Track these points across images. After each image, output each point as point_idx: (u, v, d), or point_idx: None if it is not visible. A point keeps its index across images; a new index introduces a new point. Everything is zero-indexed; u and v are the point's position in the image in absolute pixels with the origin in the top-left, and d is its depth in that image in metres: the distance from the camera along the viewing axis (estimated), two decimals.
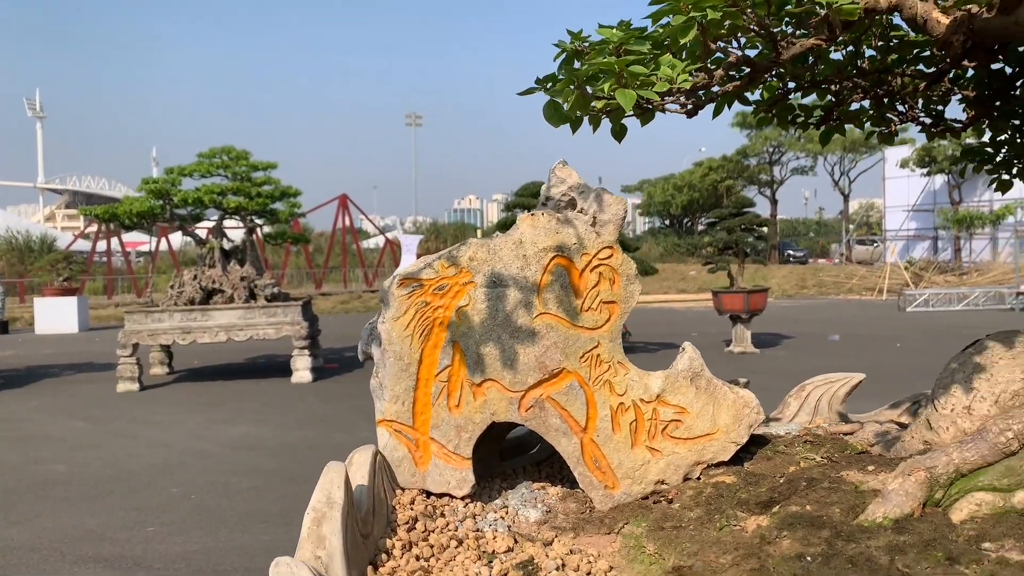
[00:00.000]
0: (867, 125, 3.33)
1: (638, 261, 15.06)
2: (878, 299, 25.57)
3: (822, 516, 1.77)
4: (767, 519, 1.83)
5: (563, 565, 1.92)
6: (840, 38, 2.53)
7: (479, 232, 15.44)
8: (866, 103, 3.17)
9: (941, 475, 1.71)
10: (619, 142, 2.39)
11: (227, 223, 12.41)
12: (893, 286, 26.10)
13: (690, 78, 2.15)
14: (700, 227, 48.53)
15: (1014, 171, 3.30)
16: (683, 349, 2.43)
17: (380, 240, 37.33)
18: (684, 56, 2.25)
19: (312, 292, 24.92)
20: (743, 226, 15.58)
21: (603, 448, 2.26)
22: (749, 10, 2.29)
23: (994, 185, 3.33)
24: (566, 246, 2.27)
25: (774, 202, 47.04)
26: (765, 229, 18.06)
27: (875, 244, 37.82)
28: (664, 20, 2.23)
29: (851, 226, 47.94)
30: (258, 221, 12.72)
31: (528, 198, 15.29)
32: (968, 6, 2.33)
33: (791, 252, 43.84)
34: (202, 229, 12.82)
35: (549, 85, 2.15)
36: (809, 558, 1.58)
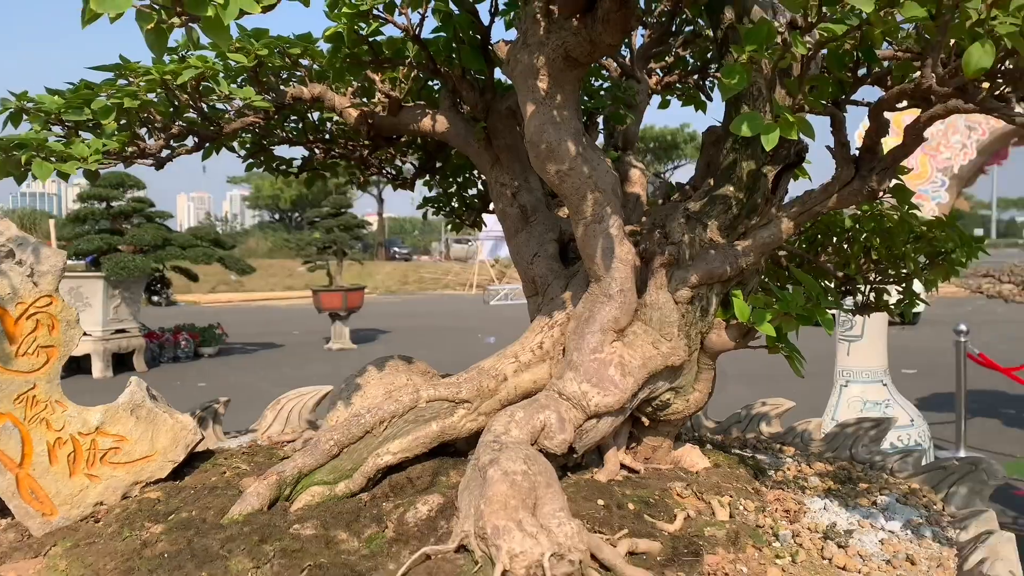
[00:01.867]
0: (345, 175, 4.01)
1: (234, 260, 14.89)
2: (468, 293, 28.50)
3: (202, 518, 2.25)
4: (162, 526, 2.26)
5: None
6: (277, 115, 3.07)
7: (52, 222, 13.77)
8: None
9: (289, 476, 2.30)
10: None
11: None
12: (482, 281, 29.32)
13: (117, 147, 2.49)
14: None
15: (463, 213, 4.19)
16: (130, 383, 2.76)
17: None
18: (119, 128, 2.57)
19: None
20: (341, 226, 16.28)
21: (40, 480, 2.50)
22: (185, 95, 2.70)
23: (450, 226, 4.23)
24: None
25: (380, 201, 49.41)
26: (364, 230, 19.09)
27: (470, 243, 42.17)
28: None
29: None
30: None
31: (108, 188, 14.14)
32: (368, 108, 3.03)
33: (396, 249, 46.65)
34: None
35: None
36: (167, 555, 2.03)
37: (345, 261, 16.01)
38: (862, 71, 2.01)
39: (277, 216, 55.61)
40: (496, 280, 28.97)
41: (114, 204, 13.70)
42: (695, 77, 3.55)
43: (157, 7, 1.23)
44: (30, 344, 2.53)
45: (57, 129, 2.58)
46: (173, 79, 2.51)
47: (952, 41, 1.64)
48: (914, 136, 1.93)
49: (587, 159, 2.20)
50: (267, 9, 1.50)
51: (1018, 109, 1.69)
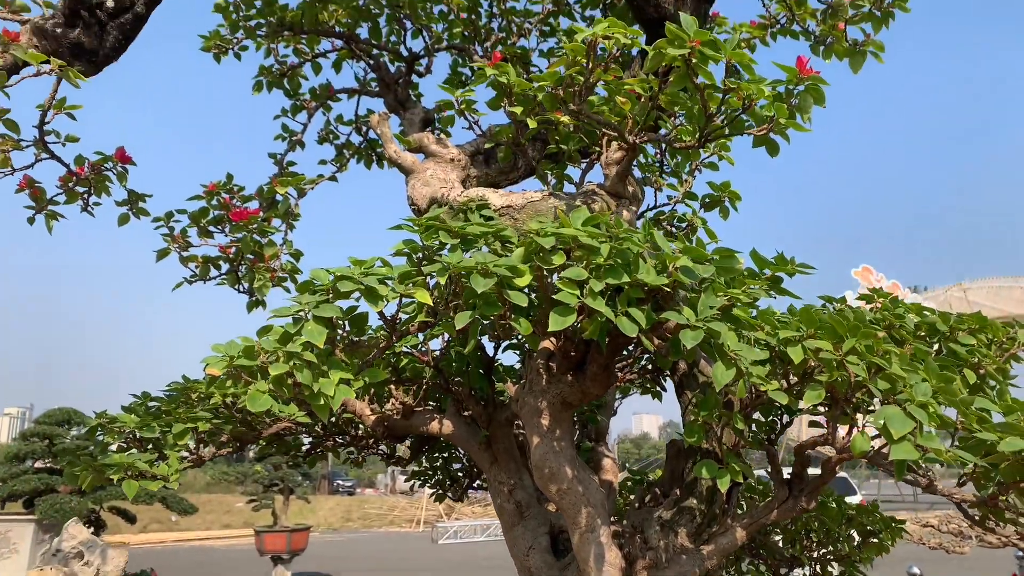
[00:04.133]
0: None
1: (176, 499, 14.55)
2: (416, 531, 27.65)
3: None
4: None
5: None
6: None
7: None
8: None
9: None
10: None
11: None
12: (429, 517, 28.58)
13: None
14: (250, 455, 47.40)
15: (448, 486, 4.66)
16: None
17: None
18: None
19: None
20: (289, 462, 16.19)
21: None
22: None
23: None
24: None
25: None
26: (313, 468, 18.93)
27: None
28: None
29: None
30: None
31: (51, 426, 14.07)
32: (384, 413, 3.60)
33: (340, 482, 45.24)
34: None
35: None
36: None
37: (291, 498, 15.76)
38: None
39: None
40: (445, 516, 28.31)
41: (57, 442, 13.52)
42: (651, 375, 4.27)
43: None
44: None
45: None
46: (233, 403, 3.07)
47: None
48: (830, 471, 2.57)
49: (581, 480, 2.77)
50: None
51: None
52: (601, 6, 4.65)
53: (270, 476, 15.93)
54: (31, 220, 3.80)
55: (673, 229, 3.71)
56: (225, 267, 4.60)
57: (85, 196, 3.89)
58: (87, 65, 3.00)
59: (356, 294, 2.37)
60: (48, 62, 2.53)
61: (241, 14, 4.01)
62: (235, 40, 4.10)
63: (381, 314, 2.55)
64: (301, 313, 2.32)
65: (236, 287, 4.71)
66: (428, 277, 2.42)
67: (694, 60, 2.39)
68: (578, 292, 2.22)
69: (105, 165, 3.76)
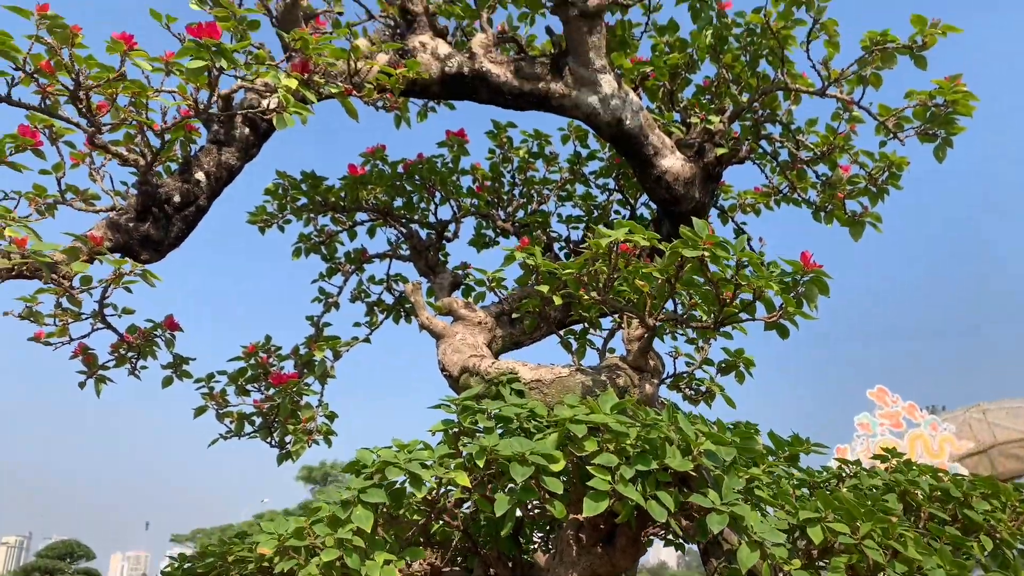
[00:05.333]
0: None
1: None
2: None
3: None
4: None
5: None
6: None
7: None
8: None
9: None
10: None
11: None
12: None
13: None
14: None
15: None
16: None
17: None
18: None
19: None
20: None
21: None
22: None
23: None
24: None
25: None
26: None
27: None
28: None
29: None
30: None
31: (53, 559, 13.79)
32: (413, 572, 3.65)
33: None
34: None
35: None
36: None
37: None
38: None
39: None
40: None
41: None
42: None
43: None
44: None
45: None
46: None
47: None
48: None
49: None
50: None
51: None
52: (615, 174, 5.03)
53: None
54: (82, 385, 4.01)
55: (691, 392, 3.90)
56: (258, 421, 4.80)
57: (133, 360, 4.13)
58: (152, 253, 3.30)
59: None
60: (129, 264, 2.82)
61: (289, 196, 4.39)
62: (280, 215, 4.46)
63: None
64: (349, 496, 2.48)
65: (268, 440, 4.88)
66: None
67: (707, 259, 2.66)
68: (609, 478, 2.38)
69: (155, 332, 4.02)
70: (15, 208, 3.34)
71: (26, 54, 2.66)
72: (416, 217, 4.69)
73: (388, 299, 5.02)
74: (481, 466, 2.53)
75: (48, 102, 2.94)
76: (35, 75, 2.73)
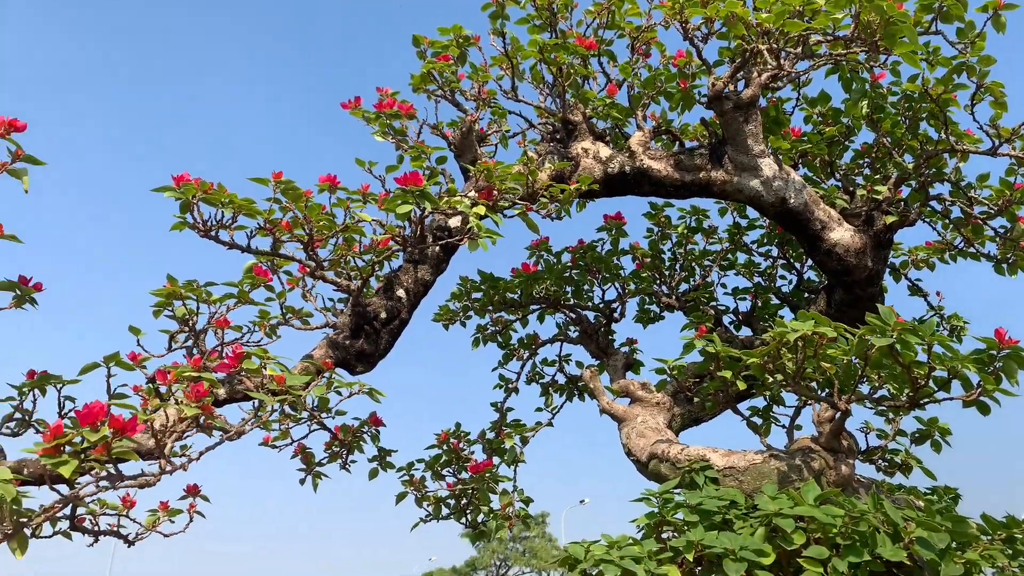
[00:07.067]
0: None
1: None
2: None
3: None
4: None
5: None
6: None
7: None
8: None
9: None
10: None
11: None
12: None
13: None
14: None
15: None
16: None
17: None
18: None
19: None
20: None
21: None
22: None
23: None
24: None
25: None
26: None
27: None
28: None
29: None
30: None
31: None
32: None
33: None
34: None
35: None
36: None
37: None
38: None
39: None
40: None
41: None
42: None
43: None
44: None
45: None
46: None
47: None
48: None
49: None
50: None
51: None
52: (777, 242, 5.08)
53: None
54: (302, 481, 4.49)
55: (885, 463, 3.84)
56: (451, 503, 5.14)
57: (344, 455, 4.58)
58: (366, 365, 3.72)
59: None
60: (357, 385, 3.22)
61: (473, 297, 4.79)
62: (461, 313, 4.86)
63: None
64: None
65: (461, 520, 5.21)
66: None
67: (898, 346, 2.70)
68: (822, 570, 2.45)
69: (362, 429, 4.45)
70: (250, 335, 3.89)
71: (265, 214, 3.15)
72: (585, 303, 4.94)
73: (560, 379, 5.27)
74: (691, 560, 2.66)
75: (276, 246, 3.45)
76: (274, 230, 3.22)
